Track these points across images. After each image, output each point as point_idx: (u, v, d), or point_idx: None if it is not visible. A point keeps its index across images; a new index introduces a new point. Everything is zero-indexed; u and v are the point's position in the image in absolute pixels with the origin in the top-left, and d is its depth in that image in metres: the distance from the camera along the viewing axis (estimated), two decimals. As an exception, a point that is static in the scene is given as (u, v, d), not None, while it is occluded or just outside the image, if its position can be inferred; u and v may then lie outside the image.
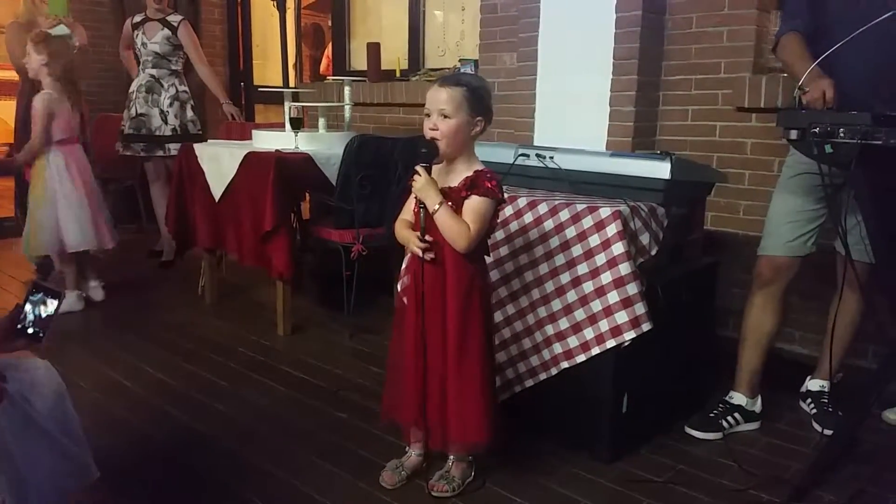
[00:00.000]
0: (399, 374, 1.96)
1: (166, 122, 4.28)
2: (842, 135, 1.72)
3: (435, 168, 1.83)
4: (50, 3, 3.96)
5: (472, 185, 1.79)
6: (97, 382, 2.69)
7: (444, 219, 1.77)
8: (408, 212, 1.91)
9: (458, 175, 1.83)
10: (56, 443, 1.54)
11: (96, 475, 1.64)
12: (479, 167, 1.85)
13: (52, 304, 1.50)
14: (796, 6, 2.24)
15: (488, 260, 2.23)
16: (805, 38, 2.16)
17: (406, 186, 1.88)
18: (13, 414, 1.44)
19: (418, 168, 1.79)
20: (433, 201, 1.77)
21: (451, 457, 1.99)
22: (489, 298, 2.02)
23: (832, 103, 2.02)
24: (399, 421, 2.02)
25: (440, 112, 1.78)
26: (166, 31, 4.26)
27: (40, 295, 1.50)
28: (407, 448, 2.06)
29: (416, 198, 1.82)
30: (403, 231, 1.90)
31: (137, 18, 4.34)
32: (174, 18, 4.31)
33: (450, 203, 1.79)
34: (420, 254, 1.82)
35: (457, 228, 1.77)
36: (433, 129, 1.78)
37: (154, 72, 4.29)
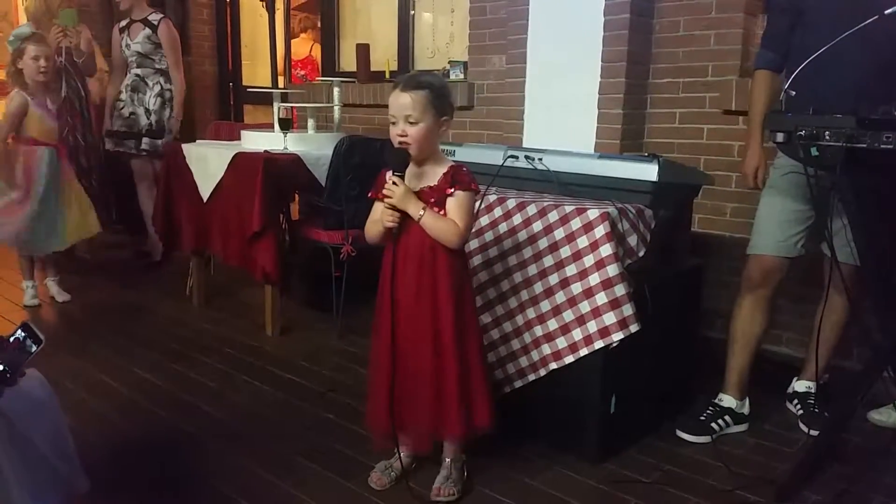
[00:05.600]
0: (374, 377, 1.96)
1: (150, 120, 4.28)
2: (827, 138, 1.73)
3: (406, 173, 1.82)
4: (61, 17, 3.99)
5: (454, 181, 1.80)
6: (84, 383, 2.68)
7: (431, 222, 1.78)
8: (377, 213, 1.90)
9: (433, 174, 1.83)
10: (45, 460, 1.52)
11: (86, 487, 1.63)
12: (450, 162, 1.86)
13: (31, 348, 1.50)
14: (776, 29, 2.29)
15: (479, 260, 2.25)
16: (774, 78, 2.30)
17: (377, 186, 1.87)
18: (3, 430, 1.43)
19: (394, 178, 1.78)
20: (416, 209, 1.78)
21: (448, 459, 1.98)
22: (473, 285, 2.05)
23: (759, 186, 2.31)
24: (374, 430, 1.99)
25: (406, 118, 1.76)
26: (147, 31, 4.26)
27: (24, 336, 1.50)
28: (396, 449, 2.05)
29: (389, 207, 1.79)
30: (375, 224, 1.88)
31: (123, 23, 4.36)
32: (155, 17, 4.32)
33: (432, 201, 1.79)
34: (394, 224, 1.80)
35: (445, 228, 1.78)
36: (402, 136, 1.77)
37: (139, 71, 4.30)
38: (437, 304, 1.83)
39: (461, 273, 1.89)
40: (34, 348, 1.50)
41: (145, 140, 4.28)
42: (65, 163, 3.69)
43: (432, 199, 1.80)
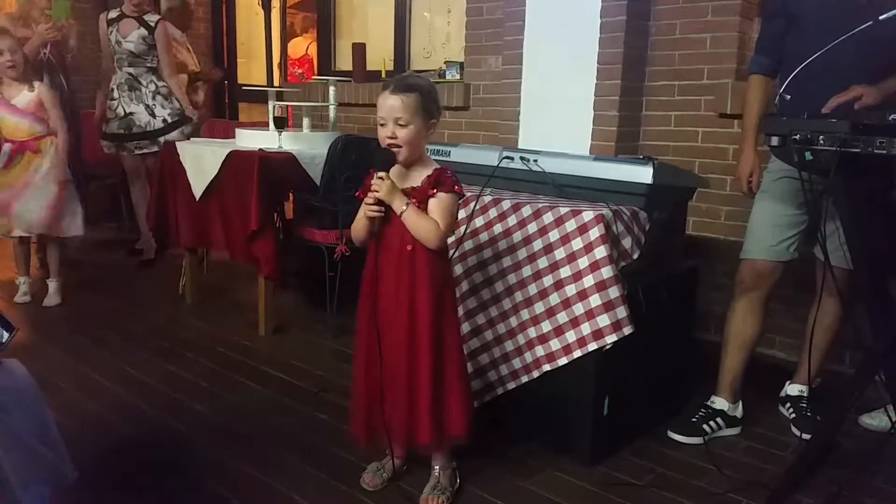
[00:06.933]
0: (357, 380, 1.94)
1: (154, 116, 4.22)
2: (821, 142, 1.74)
3: (392, 171, 1.81)
4: (54, 8, 3.92)
5: (438, 183, 1.80)
6: (76, 382, 2.66)
7: (413, 219, 1.77)
8: (363, 211, 1.88)
9: (418, 175, 1.83)
10: (31, 449, 1.51)
11: (74, 476, 1.62)
12: (435, 165, 1.86)
13: (2, 337, 1.49)
14: (769, 34, 2.30)
15: (474, 261, 2.24)
16: (768, 83, 2.32)
17: (365, 186, 1.86)
18: None
19: (381, 174, 1.77)
20: (400, 204, 1.77)
21: (437, 466, 1.97)
22: (455, 292, 2.04)
23: (752, 190, 2.33)
24: (356, 435, 1.97)
25: (396, 120, 1.76)
26: (142, 31, 4.16)
27: None
28: (388, 450, 2.05)
29: (374, 203, 1.78)
30: (359, 221, 1.87)
31: (112, 14, 4.23)
32: (151, 18, 4.21)
33: (415, 202, 1.78)
34: (377, 214, 1.79)
35: (426, 226, 1.78)
36: (392, 138, 1.77)
37: (131, 70, 4.22)
38: (415, 305, 1.82)
39: (442, 278, 1.87)
40: (5, 336, 1.49)
41: (166, 138, 4.15)
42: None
43: (414, 200, 1.79)
